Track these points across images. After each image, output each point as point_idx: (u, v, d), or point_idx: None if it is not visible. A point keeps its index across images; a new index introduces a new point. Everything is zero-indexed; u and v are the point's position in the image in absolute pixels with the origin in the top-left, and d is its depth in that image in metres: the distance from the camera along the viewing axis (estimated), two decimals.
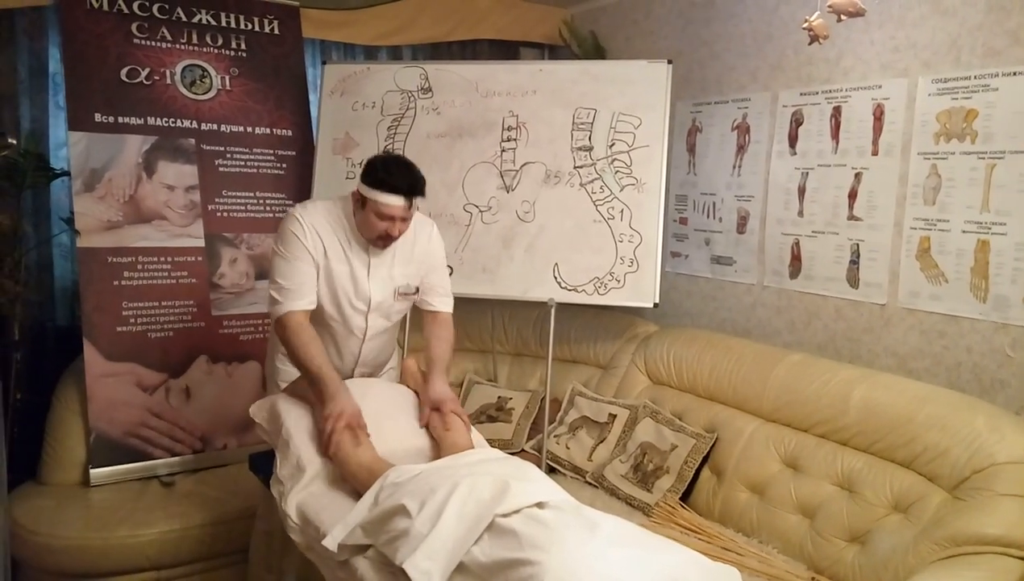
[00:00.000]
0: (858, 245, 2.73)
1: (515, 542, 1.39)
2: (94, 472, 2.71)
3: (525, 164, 3.02)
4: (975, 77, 2.38)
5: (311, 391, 2.07)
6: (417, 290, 2.29)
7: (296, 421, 2.06)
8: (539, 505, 1.50)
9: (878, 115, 2.66)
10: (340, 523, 1.70)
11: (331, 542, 1.66)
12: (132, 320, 2.88)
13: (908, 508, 2.09)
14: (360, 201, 2.09)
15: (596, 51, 3.70)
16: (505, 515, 1.46)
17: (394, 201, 2.04)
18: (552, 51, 4.04)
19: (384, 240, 2.12)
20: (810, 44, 2.29)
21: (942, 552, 1.90)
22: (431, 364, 2.27)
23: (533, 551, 1.34)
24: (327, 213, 2.16)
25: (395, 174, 2.05)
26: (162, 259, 2.96)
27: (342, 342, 2.25)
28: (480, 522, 1.47)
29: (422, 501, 1.54)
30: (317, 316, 2.17)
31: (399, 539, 1.51)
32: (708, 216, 3.29)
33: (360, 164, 3.10)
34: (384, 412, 2.15)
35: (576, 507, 1.53)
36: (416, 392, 2.25)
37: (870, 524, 2.14)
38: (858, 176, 2.73)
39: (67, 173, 2.90)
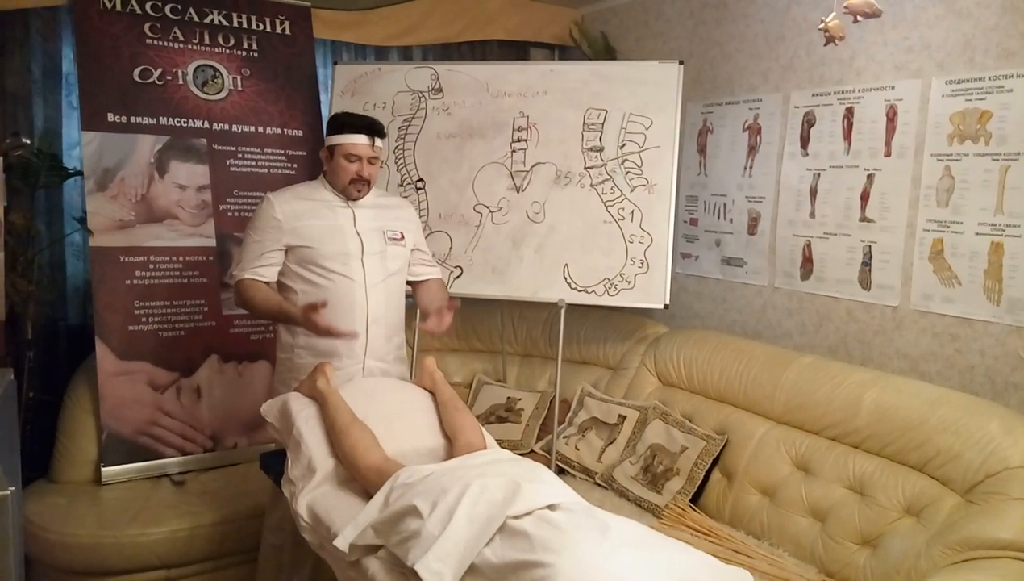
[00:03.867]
0: (870, 247, 2.72)
1: (527, 544, 1.39)
2: (106, 470, 2.73)
3: (535, 165, 3.02)
4: (989, 78, 2.37)
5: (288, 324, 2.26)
6: (403, 237, 2.41)
7: (307, 421, 2.06)
8: (551, 507, 1.50)
9: (891, 116, 2.65)
10: (351, 523, 1.70)
11: (342, 542, 1.67)
12: (144, 319, 2.89)
13: (920, 512, 2.08)
14: (328, 153, 2.32)
15: (607, 52, 3.70)
16: (517, 517, 1.46)
17: (358, 139, 2.27)
18: (562, 52, 4.03)
19: (357, 184, 2.31)
20: (826, 45, 2.28)
21: (955, 556, 1.89)
22: (430, 302, 2.40)
23: (545, 553, 1.34)
24: (300, 187, 2.41)
25: (354, 117, 2.34)
26: (174, 258, 2.98)
27: (348, 295, 2.30)
28: (492, 523, 1.47)
29: (433, 502, 1.54)
30: (322, 275, 2.28)
31: (410, 540, 1.51)
32: (719, 217, 3.28)
33: None
34: (395, 412, 2.15)
35: (587, 509, 1.53)
36: (432, 393, 2.24)
37: (882, 528, 2.13)
38: (870, 177, 2.71)
39: (80, 173, 2.91)
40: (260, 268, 2.29)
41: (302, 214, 2.30)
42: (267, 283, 2.31)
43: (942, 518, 2.01)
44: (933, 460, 2.11)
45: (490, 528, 1.46)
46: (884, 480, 2.19)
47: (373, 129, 2.30)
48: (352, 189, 2.32)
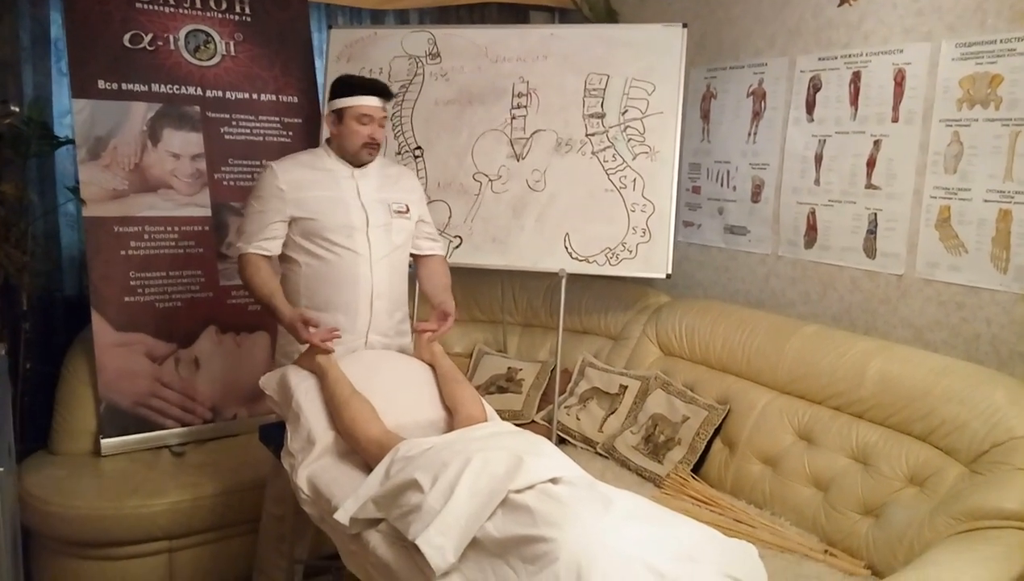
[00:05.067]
0: (876, 214, 2.67)
1: (529, 518, 1.37)
2: (105, 442, 2.71)
3: (536, 132, 2.96)
4: (1001, 41, 2.31)
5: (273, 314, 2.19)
6: (408, 210, 2.35)
7: (306, 394, 2.04)
8: (553, 480, 1.48)
9: (899, 81, 2.59)
10: (352, 496, 1.69)
11: (343, 515, 1.65)
12: (140, 290, 2.85)
13: (924, 481, 2.07)
14: (337, 116, 2.24)
15: (608, 15, 3.61)
16: (519, 491, 1.45)
17: (372, 101, 2.21)
18: (563, 15, 3.94)
19: (369, 148, 2.25)
20: (840, 5, 2.21)
21: (959, 526, 1.88)
22: (436, 296, 2.35)
23: (548, 528, 1.33)
24: (303, 156, 2.34)
25: (364, 79, 2.30)
26: (169, 229, 2.93)
27: (352, 269, 2.26)
28: (494, 497, 1.45)
29: (434, 476, 1.52)
30: (326, 248, 2.23)
31: (411, 514, 1.49)
32: (722, 185, 3.23)
33: None
34: (396, 384, 2.13)
35: (590, 483, 1.52)
36: (431, 366, 2.22)
37: (885, 497, 2.12)
38: (877, 144, 2.66)
39: (72, 141, 2.86)
40: (264, 241, 2.23)
41: (306, 184, 2.24)
42: (270, 257, 2.26)
43: (946, 488, 2.00)
44: (938, 430, 2.10)
45: (492, 502, 1.45)
46: (888, 450, 2.18)
47: (383, 90, 2.26)
48: (364, 153, 2.26)
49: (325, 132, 3.06)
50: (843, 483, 2.22)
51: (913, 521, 2.00)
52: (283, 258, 2.31)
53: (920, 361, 2.25)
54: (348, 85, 2.25)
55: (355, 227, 2.25)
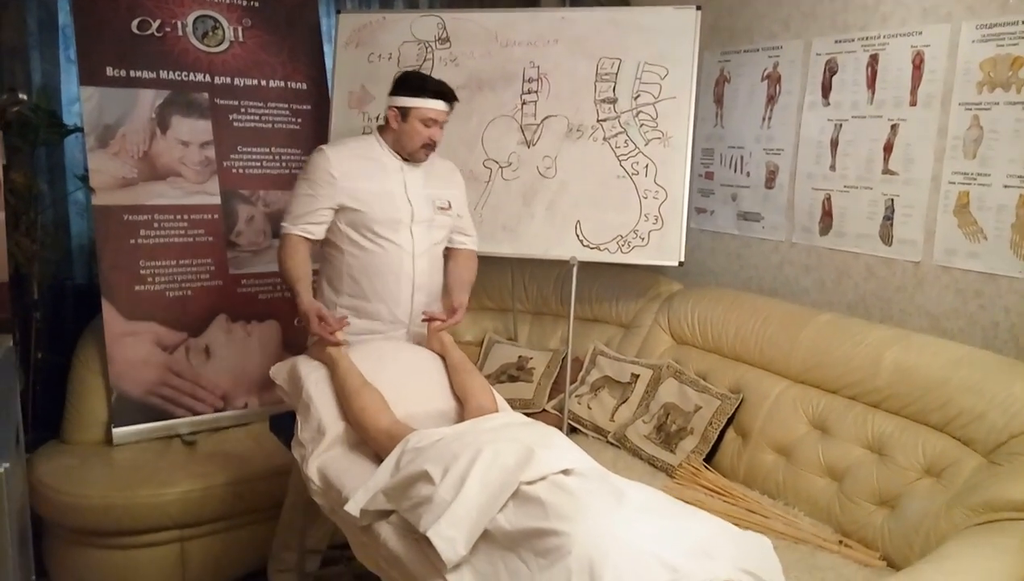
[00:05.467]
0: (893, 200, 2.63)
1: (541, 511, 1.36)
2: (116, 431, 2.72)
3: (546, 118, 2.92)
4: (1023, 23, 2.25)
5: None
6: (450, 206, 2.38)
7: (316, 384, 2.04)
8: (565, 472, 1.47)
9: (917, 63, 2.54)
10: (362, 487, 1.68)
11: (353, 507, 1.65)
12: (150, 279, 2.85)
13: (941, 472, 2.04)
14: (401, 114, 2.24)
15: None
16: (530, 482, 1.43)
17: (438, 105, 2.22)
18: None
19: (427, 148, 2.28)
20: None
21: (976, 518, 1.85)
22: (453, 286, 2.39)
23: (559, 521, 1.31)
24: (354, 144, 2.35)
25: (434, 82, 2.28)
26: (178, 217, 2.92)
27: (397, 262, 2.29)
28: (505, 489, 1.44)
29: (445, 467, 1.51)
30: (372, 240, 2.26)
31: (422, 506, 1.48)
32: (735, 170, 3.19)
33: (376, 118, 3.04)
34: (406, 374, 2.12)
35: (602, 474, 1.50)
36: (441, 356, 2.21)
37: (901, 488, 2.09)
38: (894, 128, 2.61)
39: (80, 129, 2.85)
40: (309, 225, 2.25)
41: (357, 174, 2.25)
42: (314, 241, 2.28)
43: (963, 479, 1.97)
44: (955, 420, 2.06)
45: (503, 494, 1.43)
46: (904, 440, 2.15)
47: (451, 94, 2.26)
48: (421, 153, 2.29)
49: (336, 117, 3.09)
50: (858, 473, 2.19)
51: (929, 512, 1.97)
52: (326, 243, 2.31)
53: (937, 350, 2.21)
54: (415, 86, 2.24)
55: (401, 221, 2.27)
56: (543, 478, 1.44)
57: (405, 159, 2.31)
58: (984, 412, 2.00)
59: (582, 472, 1.47)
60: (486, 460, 1.49)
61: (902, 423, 2.19)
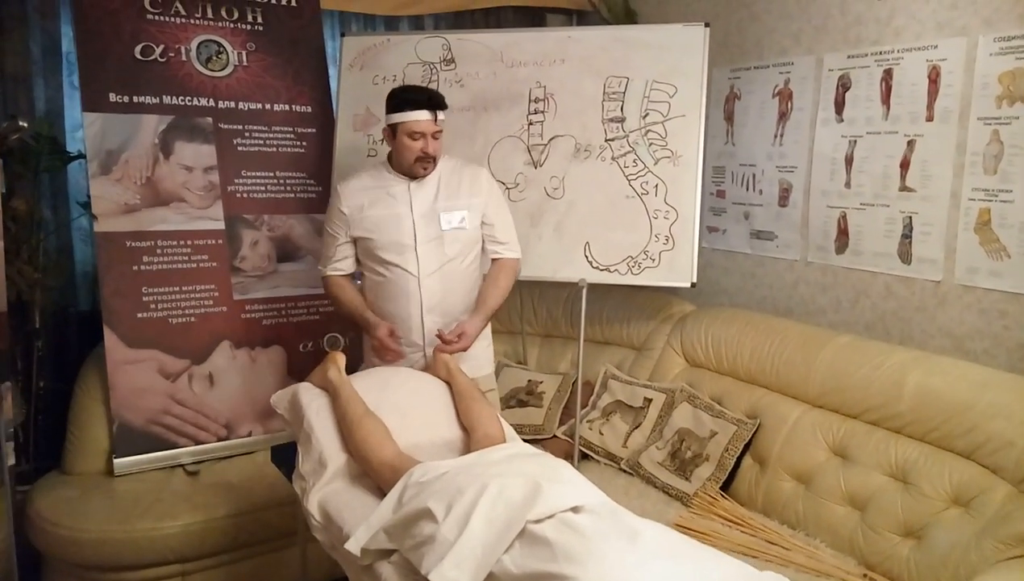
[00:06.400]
0: (911, 218, 2.56)
1: (548, 552, 1.29)
2: (118, 461, 2.66)
3: (553, 137, 2.88)
4: None
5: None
6: (463, 220, 2.31)
7: (318, 413, 1.98)
8: (574, 509, 1.39)
9: (933, 78, 2.47)
10: (363, 524, 1.61)
11: (354, 545, 1.58)
12: (153, 306, 2.80)
13: (969, 502, 1.95)
14: (390, 132, 2.25)
15: (627, 16, 3.52)
16: (538, 521, 1.36)
17: (420, 116, 2.19)
18: (580, 17, 3.86)
19: (423, 162, 2.24)
20: None
21: (1008, 552, 1.77)
22: (477, 303, 2.35)
23: (568, 564, 1.24)
24: (366, 175, 2.36)
25: (414, 92, 2.27)
26: (182, 243, 2.88)
27: (403, 285, 2.30)
28: (511, 527, 1.37)
29: (448, 504, 1.44)
30: (381, 265, 2.30)
31: (424, 545, 1.41)
32: (747, 188, 3.12)
33: (380, 141, 2.99)
34: (410, 402, 2.06)
35: (614, 511, 1.42)
36: (447, 383, 2.15)
37: (927, 518, 2.00)
38: (911, 144, 2.54)
39: (83, 156, 2.83)
40: (337, 262, 2.36)
41: (365, 204, 2.30)
42: (349, 275, 2.39)
43: (993, 509, 1.89)
44: (983, 447, 1.98)
45: (509, 533, 1.36)
46: (929, 467, 2.06)
47: (434, 102, 2.22)
48: (418, 167, 2.26)
49: (340, 140, 3.05)
50: (881, 502, 2.11)
51: (958, 544, 1.89)
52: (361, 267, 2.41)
53: (961, 373, 2.13)
54: (397, 100, 2.23)
55: (405, 244, 2.28)
56: (551, 516, 1.36)
57: (413, 179, 2.29)
58: (1013, 439, 1.92)
59: (592, 509, 1.39)
60: (491, 496, 1.42)
61: (926, 449, 2.10)
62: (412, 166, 2.25)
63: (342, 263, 2.37)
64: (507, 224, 2.44)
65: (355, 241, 2.34)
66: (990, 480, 1.94)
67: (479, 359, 2.41)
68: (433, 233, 2.29)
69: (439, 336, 2.22)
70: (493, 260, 2.42)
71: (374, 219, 2.28)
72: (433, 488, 1.54)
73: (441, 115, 2.24)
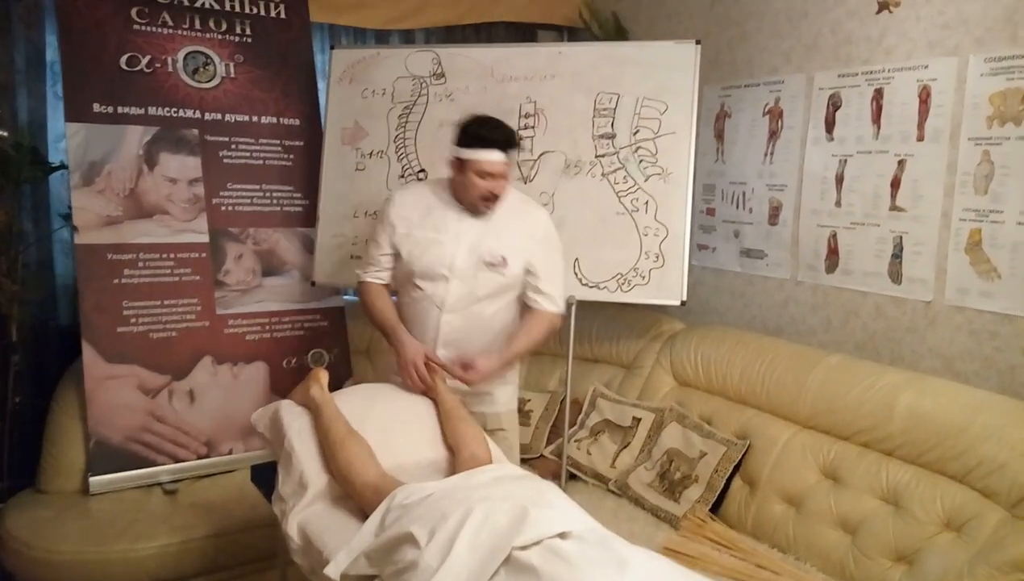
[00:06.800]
0: (901, 238, 2.54)
1: None
2: (93, 480, 2.59)
3: (543, 153, 2.85)
4: None
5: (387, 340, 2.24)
6: (505, 262, 2.18)
7: (299, 433, 1.93)
8: (561, 535, 1.35)
9: (924, 98, 2.47)
10: (344, 548, 1.56)
11: (334, 570, 1.53)
12: (133, 320, 2.75)
13: (962, 527, 1.93)
14: (458, 165, 2.13)
15: (618, 34, 3.52)
16: (524, 547, 1.32)
17: (494, 157, 2.08)
18: (571, 34, 3.86)
19: (488, 201, 2.14)
20: (878, 13, 2.09)
21: (1002, 578, 1.75)
22: (505, 346, 2.24)
23: None
24: (425, 189, 2.29)
25: (490, 129, 2.11)
26: (164, 256, 2.84)
27: (426, 314, 2.22)
28: (495, 553, 1.32)
29: (432, 529, 1.40)
30: (411, 286, 2.23)
31: (407, 572, 1.37)
32: (737, 206, 3.11)
33: (369, 155, 2.97)
34: (395, 421, 2.02)
35: (603, 538, 1.38)
36: (433, 401, 2.10)
37: (919, 543, 1.97)
38: (901, 163, 2.54)
39: (65, 166, 2.78)
40: (378, 271, 2.28)
41: (415, 221, 2.21)
42: (387, 286, 2.30)
43: (986, 535, 1.86)
44: (975, 470, 1.95)
45: (494, 560, 1.32)
46: (921, 491, 2.03)
47: (510, 143, 2.12)
48: (481, 205, 2.15)
49: (328, 153, 3.02)
50: (873, 526, 2.07)
51: (951, 570, 1.86)
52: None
53: (953, 395, 2.11)
54: (471, 136, 2.11)
55: (439, 273, 2.18)
56: (538, 542, 1.32)
57: (473, 212, 2.19)
58: (1006, 462, 1.89)
59: (580, 535, 1.35)
60: (476, 521, 1.38)
61: (918, 472, 2.08)
62: (476, 203, 2.14)
63: (382, 274, 2.27)
64: (555, 275, 2.28)
65: (395, 255, 2.24)
66: (983, 504, 1.91)
67: (492, 395, 2.32)
68: (470, 270, 2.17)
69: (431, 362, 2.15)
70: (530, 308, 2.27)
71: (418, 239, 2.19)
72: (416, 512, 1.49)
73: (513, 153, 2.15)
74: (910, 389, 2.17)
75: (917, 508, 2.01)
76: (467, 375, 2.12)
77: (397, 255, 2.23)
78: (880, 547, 2.04)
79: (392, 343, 2.21)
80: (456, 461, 1.89)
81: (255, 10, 3.11)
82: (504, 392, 2.36)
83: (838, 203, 2.73)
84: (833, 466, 2.25)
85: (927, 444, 2.07)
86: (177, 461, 2.74)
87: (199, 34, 3.00)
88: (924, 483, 2.04)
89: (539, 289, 2.25)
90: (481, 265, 2.17)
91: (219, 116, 3.00)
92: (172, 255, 2.85)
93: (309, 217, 3.08)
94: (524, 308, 2.30)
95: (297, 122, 3.16)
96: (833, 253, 2.76)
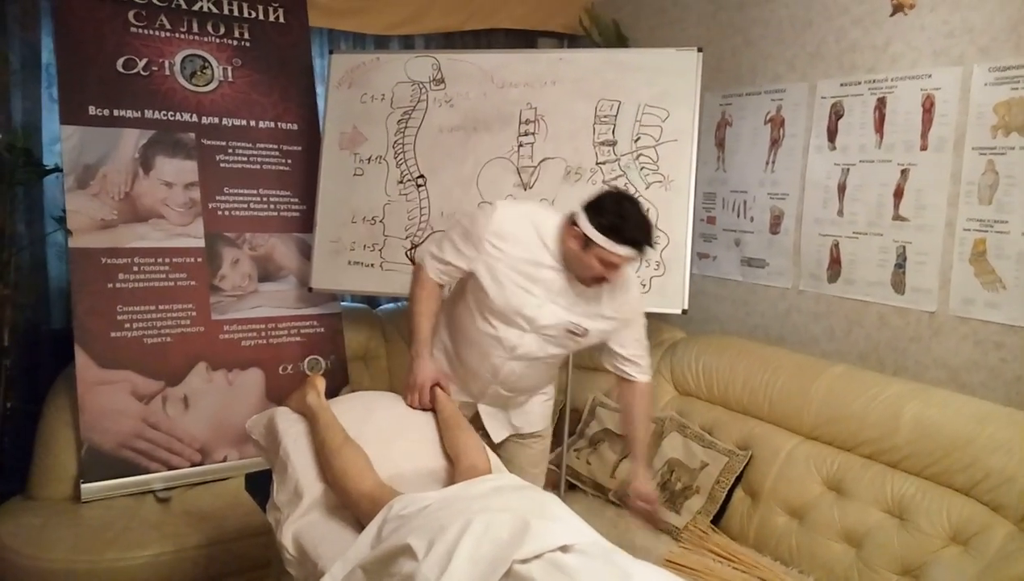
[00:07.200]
0: (904, 247, 2.52)
1: None
2: (85, 487, 2.54)
3: (544, 160, 2.83)
4: None
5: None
6: (585, 333, 2.03)
7: (295, 440, 1.88)
8: (563, 549, 1.31)
9: (928, 107, 2.45)
10: (340, 560, 1.52)
11: None
12: (127, 325, 2.71)
13: (968, 540, 1.90)
14: (582, 240, 1.88)
15: (619, 41, 3.50)
16: (525, 561, 1.28)
17: (626, 253, 1.87)
18: (571, 41, 3.84)
19: (597, 282, 1.95)
20: (892, 15, 2.08)
21: None
22: (631, 447, 2.15)
23: None
24: (528, 220, 2.00)
25: (631, 224, 1.87)
26: (159, 260, 2.80)
27: (489, 350, 2.06)
28: (496, 567, 1.28)
29: (430, 540, 1.36)
30: (477, 315, 2.05)
31: None
32: (739, 215, 3.09)
33: (368, 160, 2.94)
34: (393, 429, 1.97)
35: (606, 551, 1.34)
36: (432, 410, 2.07)
37: (925, 556, 1.95)
38: (905, 173, 2.52)
39: (59, 169, 2.74)
40: (442, 270, 2.06)
41: (509, 254, 1.96)
42: (441, 286, 2.11)
43: (994, 549, 1.83)
44: (982, 483, 1.93)
45: (494, 573, 1.27)
46: (927, 503, 2.01)
47: (648, 243, 1.90)
48: (590, 283, 1.96)
49: (326, 158, 2.99)
50: (878, 539, 2.05)
51: None
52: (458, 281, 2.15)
53: (960, 406, 2.08)
54: (610, 224, 1.85)
55: (516, 322, 2.01)
56: (539, 555, 1.28)
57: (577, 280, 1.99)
58: (1014, 475, 1.87)
59: (583, 549, 1.31)
60: (476, 533, 1.34)
61: (924, 485, 2.05)
62: (583, 279, 1.95)
63: (446, 277, 2.07)
64: (644, 343, 2.15)
65: (469, 273, 2.02)
66: (991, 517, 1.89)
67: (532, 415, 2.25)
68: (549, 328, 2.01)
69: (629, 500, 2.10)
70: (627, 382, 2.14)
71: (506, 277, 1.96)
72: (414, 523, 1.45)
73: (647, 251, 1.94)
74: (916, 400, 2.14)
75: (923, 521, 1.99)
76: (653, 508, 2.08)
77: (470, 274, 2.03)
78: (885, 560, 2.01)
79: (411, 353, 2.08)
80: (455, 471, 1.84)
81: (254, 14, 3.09)
82: (543, 407, 2.30)
83: (840, 212, 2.71)
84: (837, 477, 2.22)
85: (933, 456, 2.04)
86: (170, 468, 2.70)
87: (197, 37, 2.97)
88: (930, 495, 2.01)
89: (633, 360, 2.13)
90: (562, 330, 2.02)
91: (216, 120, 2.97)
92: (167, 259, 2.81)
93: (306, 222, 3.05)
94: (620, 382, 2.17)
95: (295, 127, 3.13)
96: (835, 262, 2.73)
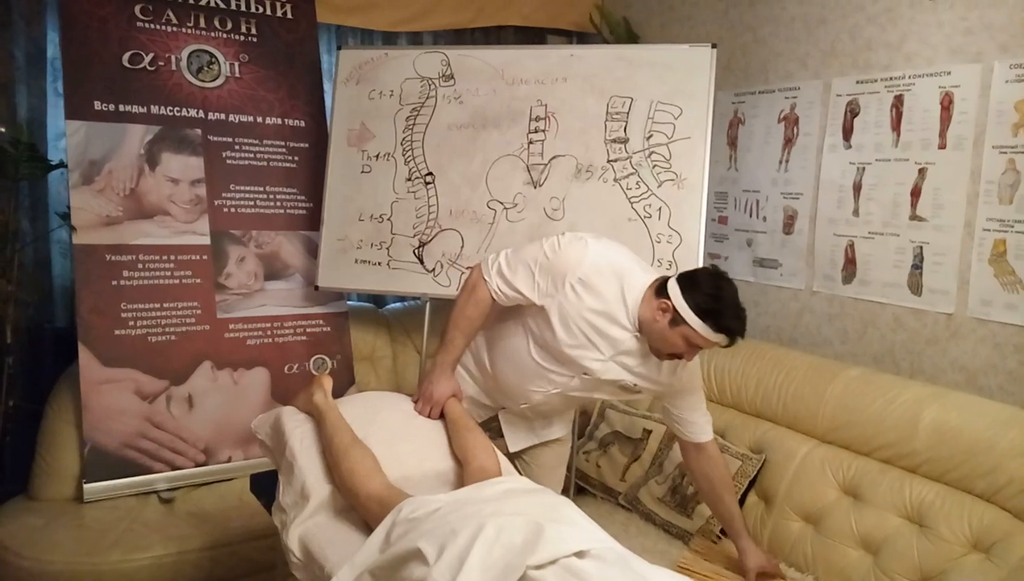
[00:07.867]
0: (922, 248, 2.48)
1: None
2: (88, 487, 2.51)
3: (554, 157, 2.79)
4: None
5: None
6: (639, 391, 1.98)
7: (301, 440, 1.85)
8: (579, 554, 1.27)
9: (946, 104, 2.41)
10: (347, 564, 1.48)
11: None
12: (131, 323, 2.68)
13: (990, 548, 1.85)
14: (673, 317, 1.77)
15: (629, 38, 3.47)
16: (539, 566, 1.24)
17: (718, 339, 1.77)
18: (581, 39, 3.81)
19: (672, 358, 1.86)
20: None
21: None
22: (729, 525, 2.11)
23: None
24: (614, 273, 1.86)
25: (730, 310, 1.77)
26: (164, 258, 2.77)
27: (530, 377, 1.98)
28: (509, 573, 1.24)
29: (441, 545, 1.32)
30: (531, 343, 1.95)
31: None
32: (751, 215, 3.04)
33: (375, 157, 2.91)
34: (401, 431, 1.94)
35: (622, 557, 1.30)
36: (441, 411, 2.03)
37: (945, 564, 1.90)
38: (922, 172, 2.47)
39: (64, 165, 2.71)
40: (504, 289, 1.92)
41: (587, 304, 1.84)
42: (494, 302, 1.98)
43: (1017, 556, 1.78)
44: (1004, 489, 1.88)
45: (507, 579, 1.24)
46: (947, 509, 1.96)
47: (741, 331, 1.80)
48: (663, 357, 1.87)
49: (334, 155, 2.95)
50: (896, 545, 2.00)
51: None
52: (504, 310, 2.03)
53: (981, 410, 2.04)
54: (710, 310, 1.75)
55: (571, 365, 1.92)
56: (554, 561, 1.24)
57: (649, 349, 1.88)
58: None
59: (598, 554, 1.27)
60: (489, 538, 1.30)
61: (944, 490, 2.00)
62: (659, 353, 1.86)
63: (507, 298, 1.93)
64: (704, 410, 2.07)
65: (535, 306, 1.90)
66: (1013, 524, 1.84)
67: (554, 425, 2.21)
68: (602, 378, 1.93)
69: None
70: (695, 445, 2.07)
71: (576, 325, 1.85)
72: (424, 527, 1.41)
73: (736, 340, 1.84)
74: (935, 403, 2.10)
75: (943, 527, 1.94)
76: (776, 572, 2.09)
77: (535, 306, 1.91)
78: (904, 568, 1.96)
79: (434, 361, 2.00)
80: (465, 473, 1.81)
81: (261, 9, 3.06)
82: (567, 415, 2.28)
83: (856, 212, 2.66)
84: (854, 482, 2.17)
85: (953, 461, 1.99)
86: (174, 469, 2.66)
87: (204, 33, 2.94)
88: (950, 501, 1.97)
89: (697, 422, 2.06)
90: (616, 385, 1.96)
91: (223, 116, 2.94)
92: (172, 257, 2.78)
93: (313, 220, 3.01)
94: (684, 446, 2.12)
95: (302, 123, 3.10)
96: (850, 263, 2.69)
